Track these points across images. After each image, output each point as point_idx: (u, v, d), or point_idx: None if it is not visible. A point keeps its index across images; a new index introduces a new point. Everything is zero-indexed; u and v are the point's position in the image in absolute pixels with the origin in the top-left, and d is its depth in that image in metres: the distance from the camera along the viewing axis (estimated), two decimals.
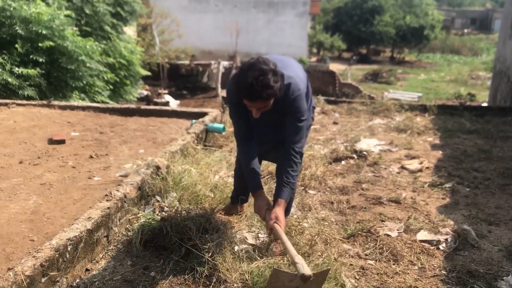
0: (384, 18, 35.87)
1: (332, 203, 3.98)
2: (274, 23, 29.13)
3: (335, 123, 6.84)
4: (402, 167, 4.97)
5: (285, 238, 2.56)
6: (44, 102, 6.35)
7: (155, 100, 17.10)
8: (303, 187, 4.28)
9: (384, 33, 35.35)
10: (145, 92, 17.81)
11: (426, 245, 3.30)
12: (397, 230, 3.53)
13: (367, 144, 5.65)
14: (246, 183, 2.92)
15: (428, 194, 4.27)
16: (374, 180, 4.57)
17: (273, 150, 3.01)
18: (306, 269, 2.27)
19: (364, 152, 5.22)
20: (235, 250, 2.87)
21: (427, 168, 4.96)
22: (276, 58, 2.69)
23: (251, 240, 3.01)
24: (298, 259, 2.35)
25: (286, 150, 2.73)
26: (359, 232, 3.43)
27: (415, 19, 36.08)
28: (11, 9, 7.39)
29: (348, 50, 38.18)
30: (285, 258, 2.76)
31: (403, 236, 3.41)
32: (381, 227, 3.56)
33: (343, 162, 5.06)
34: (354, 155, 5.16)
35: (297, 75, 2.70)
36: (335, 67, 27.18)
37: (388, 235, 3.41)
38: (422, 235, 3.45)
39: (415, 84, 25.57)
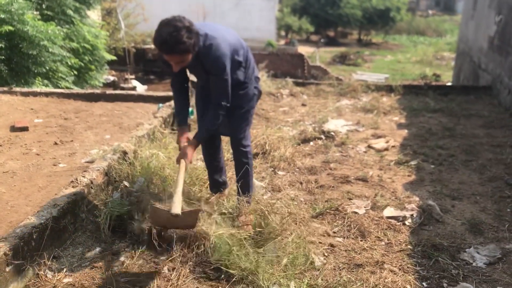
0: (351, 0, 36.03)
1: (301, 183, 4.03)
2: (242, 6, 28.88)
3: (303, 105, 6.87)
4: (369, 147, 5.05)
5: (182, 175, 2.80)
6: (5, 88, 6.14)
7: (122, 85, 16.80)
8: (272, 168, 4.31)
9: (351, 15, 35.52)
10: (112, 78, 17.45)
11: (393, 221, 3.39)
12: (364, 207, 3.60)
13: (334, 124, 5.71)
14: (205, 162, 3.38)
15: (394, 172, 4.36)
16: (342, 159, 4.64)
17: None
18: (175, 208, 2.54)
19: (332, 133, 5.28)
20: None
21: (393, 147, 5.06)
22: (208, 24, 2.93)
23: (222, 224, 3.02)
24: (176, 197, 2.62)
25: (212, 105, 2.95)
26: (328, 211, 3.50)
27: (381, 1, 36.37)
28: None
29: (316, 33, 38.24)
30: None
31: (370, 213, 3.49)
32: (348, 205, 3.63)
33: (311, 143, 5.11)
34: (322, 136, 5.21)
35: (223, 38, 2.84)
36: (303, 50, 27.23)
37: (356, 213, 3.48)
38: (389, 211, 3.53)
39: (382, 66, 25.90)
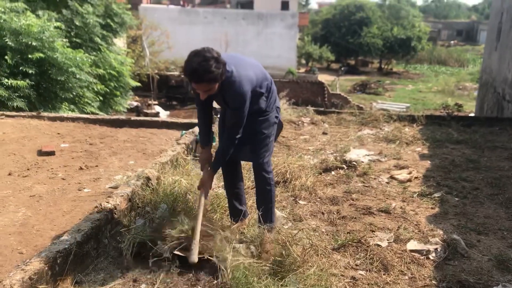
0: (372, 29, 36.29)
1: (322, 213, 3.99)
2: (263, 34, 29.33)
3: (324, 133, 6.88)
4: (392, 177, 5.01)
5: (201, 206, 2.99)
6: (34, 113, 6.31)
7: (145, 111, 17.09)
8: (293, 198, 4.29)
9: (372, 44, 35.74)
10: (135, 103, 17.80)
11: (416, 255, 3.32)
12: (387, 240, 3.54)
13: (356, 154, 5.68)
14: (229, 201, 3.45)
15: (417, 204, 4.30)
16: (364, 190, 4.60)
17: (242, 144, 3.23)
18: (193, 258, 2.74)
19: (354, 163, 5.25)
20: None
21: (416, 178, 5.00)
22: (235, 56, 3.08)
23: (242, 252, 3.01)
24: (194, 246, 2.78)
25: (225, 134, 3.11)
26: (350, 243, 3.45)
27: (403, 30, 36.55)
28: (1, 21, 7.38)
29: (337, 61, 38.52)
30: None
31: (393, 246, 3.43)
32: (371, 237, 3.58)
33: (333, 173, 5.09)
34: (344, 166, 5.19)
35: (247, 75, 2.97)
36: (323, 77, 27.38)
37: (379, 245, 3.43)
38: (412, 245, 3.47)
39: (403, 95, 25.84)
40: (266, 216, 3.28)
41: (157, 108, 18.82)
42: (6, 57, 7.31)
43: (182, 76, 22.62)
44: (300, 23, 32.23)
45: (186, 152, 4.87)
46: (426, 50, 40.08)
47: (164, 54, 22.24)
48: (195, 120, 6.30)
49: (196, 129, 5.54)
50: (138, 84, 11.52)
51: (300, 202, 4.22)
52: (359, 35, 36.25)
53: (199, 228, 2.88)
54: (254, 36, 29.33)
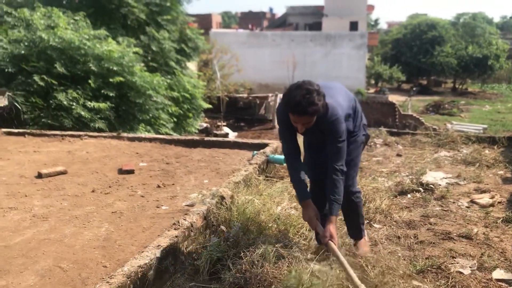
0: (445, 48, 35.08)
1: (398, 237, 3.86)
2: (331, 55, 29.23)
3: (398, 155, 6.68)
4: (472, 201, 4.75)
5: (342, 258, 2.77)
6: (114, 134, 6.66)
7: (215, 132, 17.50)
8: (367, 221, 4.18)
9: (445, 63, 34.49)
10: (205, 124, 18.28)
11: (504, 284, 3.11)
12: (470, 267, 3.35)
13: (433, 177, 5.46)
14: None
15: (502, 230, 4.04)
16: (443, 214, 4.39)
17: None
18: None
19: (431, 185, 5.05)
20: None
21: (499, 203, 4.71)
22: (323, 84, 3.01)
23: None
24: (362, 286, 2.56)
25: (329, 169, 3.01)
26: (429, 268, 3.30)
27: (478, 49, 34.98)
28: (86, 47, 7.92)
29: (408, 81, 37.52)
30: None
31: (477, 274, 3.24)
32: (452, 263, 3.40)
33: (409, 196, 4.91)
34: (420, 188, 5.00)
35: (336, 102, 2.98)
36: (394, 98, 26.72)
37: (461, 273, 3.25)
38: (498, 273, 3.25)
39: (480, 116, 24.58)
40: (357, 229, 3.43)
41: (226, 129, 19.23)
42: (89, 81, 7.83)
43: (250, 98, 23.08)
44: (370, 43, 31.83)
45: (258, 172, 4.92)
46: (505, 69, 38.01)
47: (233, 77, 22.80)
48: (266, 141, 6.36)
49: (268, 150, 5.58)
50: (210, 106, 11.87)
51: (375, 225, 4.11)
52: (431, 54, 35.15)
53: (349, 267, 2.74)
54: (322, 57, 29.30)
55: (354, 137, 3.22)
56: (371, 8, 45.22)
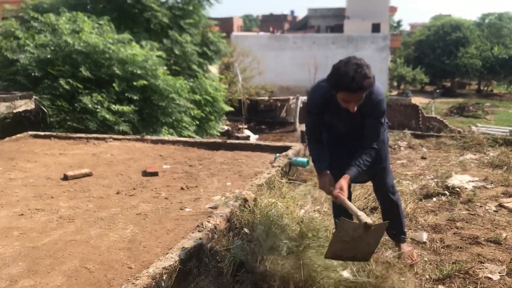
0: (470, 50, 34.53)
1: (424, 242, 3.80)
2: None
3: (423, 158, 6.58)
4: (500, 205, 4.64)
5: (347, 202, 2.85)
6: (138, 136, 6.73)
7: (236, 134, 17.55)
8: None
9: (470, 65, 33.93)
10: (226, 127, 18.36)
11: None
12: (499, 273, 3.27)
13: (459, 180, 5.36)
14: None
15: None
16: (469, 218, 4.30)
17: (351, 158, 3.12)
18: (368, 219, 2.60)
19: (457, 189, 4.95)
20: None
21: None
22: None
23: (346, 274, 2.93)
24: (361, 213, 2.68)
25: (365, 144, 2.98)
26: (456, 273, 3.24)
27: (504, 50, 34.30)
28: (110, 51, 8.04)
29: (431, 83, 37.03)
30: None
31: (506, 280, 3.16)
32: (480, 269, 3.33)
33: (434, 199, 4.83)
34: (446, 192, 4.92)
35: (377, 84, 2.88)
36: (417, 100, 26.38)
37: (489, 278, 3.18)
38: None
39: (506, 118, 24.08)
40: (398, 232, 3.37)
41: (247, 132, 19.27)
42: (114, 84, 7.94)
43: (271, 100, 23.09)
44: (392, 45, 31.53)
45: (280, 174, 4.90)
46: None
47: (254, 80, 22.85)
48: (288, 143, 6.35)
49: (290, 152, 5.57)
50: (231, 109, 11.91)
51: None
52: (455, 56, 34.64)
53: (352, 205, 2.83)
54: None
55: (381, 135, 3.12)
56: (393, 9, 44.80)
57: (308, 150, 3.40)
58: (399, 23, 58.79)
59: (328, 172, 3.07)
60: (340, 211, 3.38)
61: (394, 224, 3.25)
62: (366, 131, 2.97)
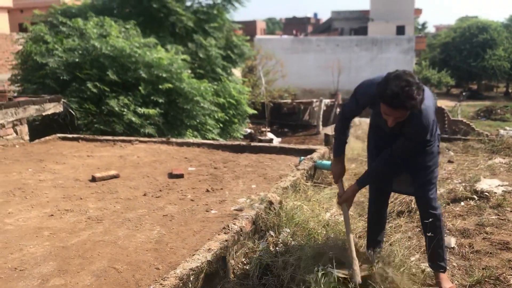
0: (497, 51, 33.82)
1: (453, 247, 3.73)
2: (377, 60, 28.78)
3: (450, 161, 6.47)
4: None
5: (348, 224, 2.99)
6: (163, 139, 6.81)
7: (259, 137, 17.56)
8: (419, 228, 4.07)
9: (498, 67, 33.24)
10: (249, 130, 18.40)
11: None
12: None
13: (488, 184, 5.24)
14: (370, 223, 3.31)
15: None
16: (499, 223, 4.21)
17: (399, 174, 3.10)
18: (357, 277, 2.73)
19: (486, 193, 4.85)
20: None
21: None
22: None
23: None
24: (355, 265, 2.78)
25: (388, 150, 2.94)
26: (486, 279, 3.17)
27: None
28: (137, 55, 8.17)
29: (457, 86, 36.39)
30: None
31: None
32: (511, 275, 3.25)
33: (462, 203, 4.74)
34: (475, 196, 4.82)
35: (430, 106, 2.74)
36: (443, 103, 25.93)
37: None
38: None
39: None
40: (438, 255, 3.05)
41: (270, 135, 19.26)
42: (140, 87, 8.05)
43: (294, 103, 23.04)
44: (417, 48, 31.12)
45: (305, 177, 4.89)
46: None
47: (277, 83, 22.85)
48: (313, 146, 6.33)
49: (315, 155, 5.55)
50: (255, 112, 11.94)
51: (428, 234, 3.98)
52: (482, 58, 33.96)
53: (353, 245, 2.86)
54: (367, 62, 28.90)
55: (430, 147, 2.96)
56: (418, 11, 44.25)
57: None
58: (424, 25, 58.06)
59: (343, 159, 3.16)
60: (374, 237, 3.35)
61: (433, 251, 3.05)
62: (400, 141, 2.86)
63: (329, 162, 5.32)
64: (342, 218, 3.91)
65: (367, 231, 3.42)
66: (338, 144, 3.18)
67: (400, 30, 35.77)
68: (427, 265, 3.20)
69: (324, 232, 3.63)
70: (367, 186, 3.28)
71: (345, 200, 3.08)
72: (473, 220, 4.30)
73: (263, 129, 19.87)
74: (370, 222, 3.40)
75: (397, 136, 2.89)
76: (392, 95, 2.48)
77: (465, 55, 34.91)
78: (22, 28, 22.25)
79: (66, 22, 9.69)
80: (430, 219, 2.99)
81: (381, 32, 33.80)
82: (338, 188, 3.21)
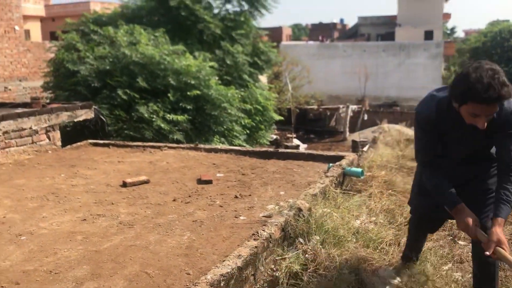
0: None
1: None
2: (405, 65, 28.43)
3: None
4: None
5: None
6: (192, 145, 6.87)
7: (285, 143, 17.53)
8: (451, 237, 4.00)
9: None
10: (274, 136, 18.39)
11: None
12: None
13: None
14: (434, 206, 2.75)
15: None
16: None
17: (466, 187, 2.67)
18: None
19: None
20: None
21: None
22: None
23: None
24: None
25: (502, 168, 2.47)
26: None
27: None
28: (166, 62, 8.30)
29: None
30: None
31: None
32: None
33: None
34: None
35: None
36: None
37: None
38: None
39: None
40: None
41: (296, 141, 19.22)
42: (169, 94, 8.17)
43: (321, 109, 22.95)
44: (446, 53, 30.64)
45: (334, 185, 4.86)
46: None
47: (304, 89, 22.83)
48: (341, 153, 6.28)
49: (344, 162, 5.50)
50: (281, 118, 11.94)
51: (460, 242, 3.91)
52: None
53: None
54: (395, 67, 28.58)
55: (494, 165, 2.64)
56: (447, 16, 43.58)
57: (415, 175, 3.00)
58: (453, 30, 57.14)
59: (465, 206, 2.50)
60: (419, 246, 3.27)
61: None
62: (500, 151, 2.49)
63: (359, 169, 5.27)
64: (371, 226, 3.88)
65: (407, 246, 3.38)
66: (448, 193, 2.55)
67: (428, 35, 35.32)
68: (460, 274, 3.14)
69: (354, 239, 3.61)
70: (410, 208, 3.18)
71: (499, 242, 2.32)
72: (508, 229, 4.18)
73: (289, 135, 19.83)
74: (412, 239, 3.33)
75: (471, 157, 2.59)
76: (485, 88, 2.16)
77: (496, 60, 34.04)
78: (54, 37, 22.92)
79: (97, 31, 9.93)
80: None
81: (409, 37, 33.42)
82: (479, 237, 2.45)
